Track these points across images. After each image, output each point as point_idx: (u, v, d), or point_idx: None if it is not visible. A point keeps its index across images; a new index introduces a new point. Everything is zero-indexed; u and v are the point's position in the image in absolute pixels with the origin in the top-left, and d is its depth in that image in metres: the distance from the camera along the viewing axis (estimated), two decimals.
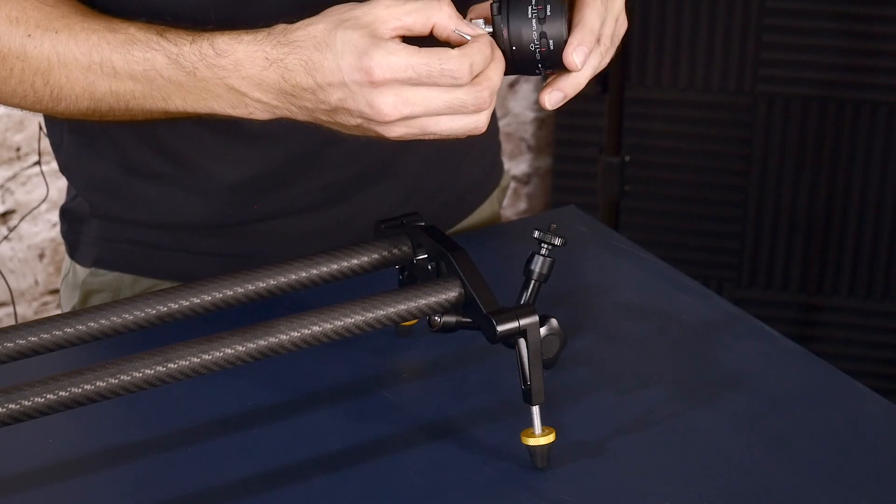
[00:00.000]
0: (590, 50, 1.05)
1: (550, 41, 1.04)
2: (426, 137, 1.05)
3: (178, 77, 1.06)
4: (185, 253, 1.30)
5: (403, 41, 1.02)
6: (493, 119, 1.43)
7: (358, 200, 1.29)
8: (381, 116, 1.02)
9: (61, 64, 1.09)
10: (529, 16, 1.04)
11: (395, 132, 1.03)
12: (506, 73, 1.05)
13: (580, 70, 1.05)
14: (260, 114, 1.06)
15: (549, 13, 1.04)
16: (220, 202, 1.27)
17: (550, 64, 1.05)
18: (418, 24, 1.02)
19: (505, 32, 1.04)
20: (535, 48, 1.04)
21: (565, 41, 1.04)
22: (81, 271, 1.34)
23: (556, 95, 1.07)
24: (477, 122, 1.03)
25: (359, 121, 1.03)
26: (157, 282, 1.30)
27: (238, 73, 1.04)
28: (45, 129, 1.36)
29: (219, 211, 1.27)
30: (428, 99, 1.01)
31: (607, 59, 1.08)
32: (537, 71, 1.06)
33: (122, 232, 1.31)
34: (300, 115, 1.05)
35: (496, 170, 1.44)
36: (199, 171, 1.26)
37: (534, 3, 1.04)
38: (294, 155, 1.25)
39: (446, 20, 1.02)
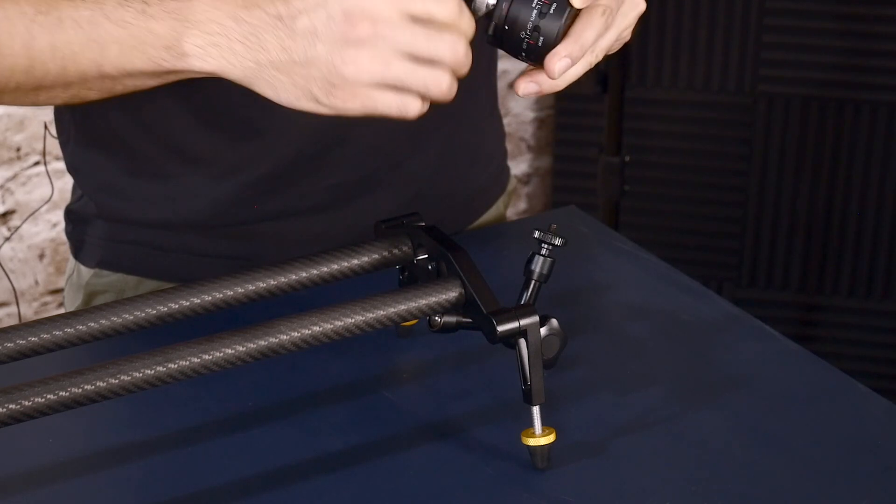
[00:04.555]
0: (573, 63, 1.04)
1: (541, 38, 1.04)
2: (383, 87, 1.00)
3: (123, 17, 1.03)
4: (190, 255, 1.30)
5: None
6: (500, 126, 1.43)
7: (363, 204, 1.29)
8: (356, 33, 0.98)
9: (6, 17, 1.05)
10: (533, 4, 1.04)
11: (362, 59, 0.99)
12: (490, 43, 1.05)
13: (555, 79, 1.05)
14: (193, 56, 1.02)
15: (551, 11, 1.03)
16: (227, 201, 1.27)
17: (533, 57, 1.05)
18: None
19: (505, 7, 1.04)
20: (525, 37, 1.04)
21: (554, 44, 1.04)
22: (85, 272, 1.34)
23: (531, 87, 1.06)
24: (438, 81, 1.01)
25: (326, 47, 0.99)
26: (162, 283, 1.30)
27: (191, 7, 1.02)
28: (50, 130, 1.36)
29: (225, 210, 1.27)
30: (407, 33, 0.99)
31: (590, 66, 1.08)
32: (520, 56, 1.05)
33: (127, 233, 1.31)
34: (241, 59, 1.01)
35: (503, 176, 1.44)
36: (206, 169, 1.26)
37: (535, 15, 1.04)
38: (301, 154, 1.25)
39: None
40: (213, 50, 1.03)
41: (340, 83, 1.01)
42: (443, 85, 1.02)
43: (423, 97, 1.02)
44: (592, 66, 1.07)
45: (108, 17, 1.04)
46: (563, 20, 1.03)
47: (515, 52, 1.05)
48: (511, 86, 2.60)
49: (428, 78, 1.01)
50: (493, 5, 1.04)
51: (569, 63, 1.04)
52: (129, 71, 1.06)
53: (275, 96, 1.03)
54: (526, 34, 1.04)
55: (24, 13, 1.06)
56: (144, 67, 1.05)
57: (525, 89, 1.06)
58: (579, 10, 1.04)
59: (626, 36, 1.10)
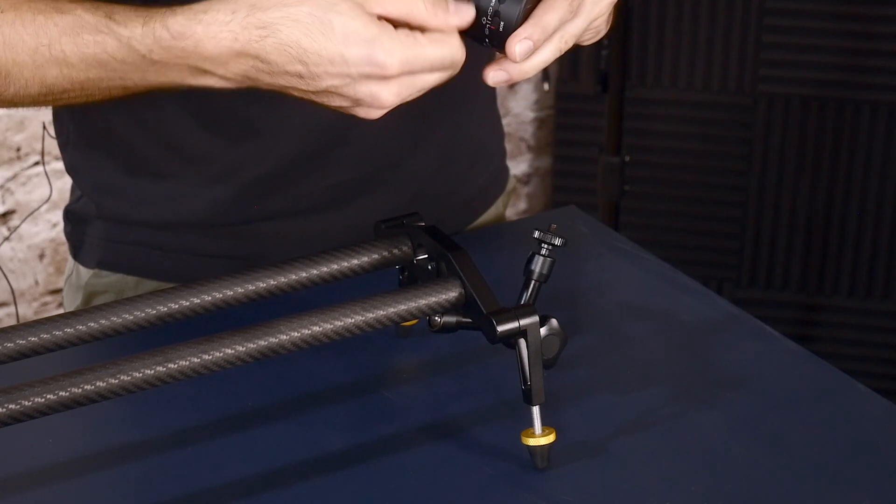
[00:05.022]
0: (535, 45, 1.03)
1: (501, 22, 1.03)
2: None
3: (132, 59, 1.04)
4: (190, 255, 1.30)
5: None
6: (499, 126, 1.43)
7: (363, 204, 1.29)
8: (380, 104, 1.01)
9: (7, 46, 1.06)
10: None
11: (380, 114, 1.03)
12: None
13: (517, 62, 1.04)
14: (223, 84, 1.04)
15: None
16: (227, 200, 1.27)
17: (496, 43, 1.04)
18: (398, 12, 1.01)
19: None
20: (486, 23, 1.03)
21: (514, 28, 1.04)
22: (85, 272, 1.34)
23: (500, 75, 1.06)
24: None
25: (347, 104, 1.02)
26: (161, 284, 1.30)
27: (199, 54, 1.02)
28: (49, 130, 1.36)
29: (224, 210, 1.27)
30: (427, 82, 1.02)
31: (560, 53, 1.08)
32: (484, 43, 1.05)
33: (126, 233, 1.31)
34: (268, 87, 1.04)
35: (502, 176, 1.44)
36: (205, 169, 1.26)
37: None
38: (301, 154, 1.25)
39: (425, 15, 1.01)
40: (241, 83, 1.04)
41: (357, 114, 1.04)
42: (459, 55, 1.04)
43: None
44: (562, 52, 1.06)
45: (115, 57, 1.04)
46: (523, 4, 1.03)
47: (480, 40, 1.05)
48: (511, 86, 2.60)
49: (455, 73, 1.04)
50: None
51: (530, 45, 1.03)
52: (156, 88, 1.07)
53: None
54: (487, 20, 1.03)
55: (24, 41, 1.06)
56: (173, 86, 1.06)
57: (494, 78, 1.06)
58: None
59: (601, 26, 1.10)
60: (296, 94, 1.03)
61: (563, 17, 1.04)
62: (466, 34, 1.05)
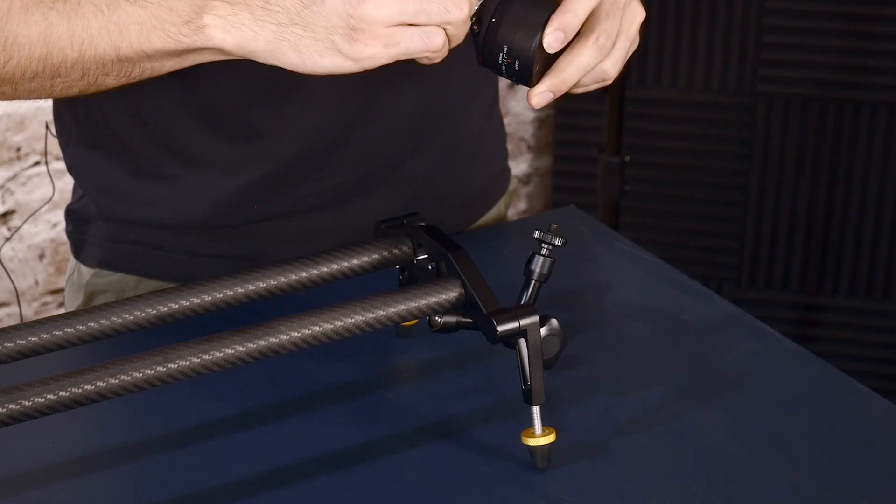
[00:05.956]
0: (556, 95, 1.06)
1: (517, 61, 1.05)
2: (391, 52, 1.01)
3: None
4: (190, 255, 1.30)
5: None
6: (500, 127, 1.43)
7: (363, 204, 1.29)
8: None
9: (23, 8, 1.06)
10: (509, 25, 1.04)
11: (370, 30, 1.00)
12: (481, 64, 1.06)
13: (535, 108, 1.07)
14: (214, 28, 1.02)
15: (522, 32, 1.04)
16: (228, 201, 1.27)
17: (515, 77, 1.06)
18: None
19: (486, 27, 1.04)
20: (503, 62, 1.05)
21: (531, 61, 1.04)
22: (86, 272, 1.34)
23: (545, 96, 1.08)
24: (436, 43, 1.02)
25: (339, 13, 0.99)
26: (162, 283, 1.30)
27: None
28: (51, 129, 1.36)
29: (225, 211, 1.27)
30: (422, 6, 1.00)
31: (617, 63, 1.09)
32: (503, 75, 1.06)
33: (127, 233, 1.31)
34: (263, 24, 1.01)
35: (503, 177, 1.44)
36: (206, 170, 1.26)
37: (505, 52, 1.04)
38: (301, 156, 1.25)
39: None
40: (234, 19, 1.02)
41: (360, 25, 1.00)
42: (462, 5, 1.01)
43: (443, 28, 1.02)
44: (607, 83, 1.09)
45: None
46: (535, 43, 1.04)
47: (498, 72, 1.06)
48: (511, 86, 2.60)
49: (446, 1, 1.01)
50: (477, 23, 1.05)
51: (550, 97, 1.06)
52: (148, 52, 1.05)
53: (299, 61, 1.02)
54: (503, 57, 1.04)
55: (41, 1, 1.06)
56: (164, 46, 1.04)
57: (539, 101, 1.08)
58: (553, 12, 1.04)
59: (635, 42, 1.11)
60: (293, 17, 1.01)
61: (589, 64, 1.06)
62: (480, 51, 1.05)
